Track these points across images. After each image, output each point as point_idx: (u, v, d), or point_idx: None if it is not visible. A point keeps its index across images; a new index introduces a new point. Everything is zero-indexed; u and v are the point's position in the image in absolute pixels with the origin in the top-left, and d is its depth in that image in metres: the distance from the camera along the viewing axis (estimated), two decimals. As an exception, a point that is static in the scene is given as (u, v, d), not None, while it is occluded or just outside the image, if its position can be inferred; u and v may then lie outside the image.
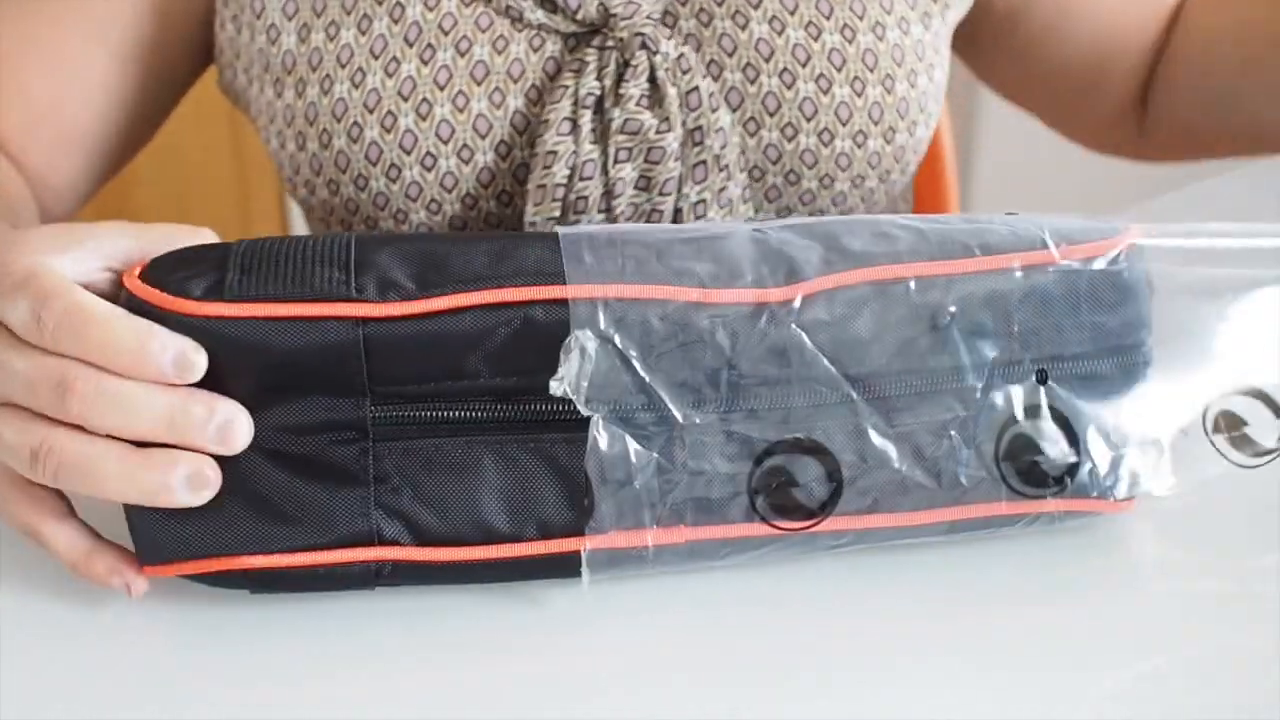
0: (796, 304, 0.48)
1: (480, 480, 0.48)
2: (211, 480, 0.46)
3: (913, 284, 0.49)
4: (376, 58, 0.64)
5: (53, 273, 0.46)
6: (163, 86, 0.75)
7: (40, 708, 0.46)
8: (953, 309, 0.49)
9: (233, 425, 0.45)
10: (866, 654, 0.48)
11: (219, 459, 0.46)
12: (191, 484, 0.45)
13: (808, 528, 0.49)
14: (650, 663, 0.48)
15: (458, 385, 0.47)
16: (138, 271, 0.47)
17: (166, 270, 0.47)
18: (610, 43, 0.63)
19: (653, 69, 0.63)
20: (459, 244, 0.48)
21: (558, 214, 0.63)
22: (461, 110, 0.64)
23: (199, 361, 0.45)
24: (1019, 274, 0.50)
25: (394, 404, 0.47)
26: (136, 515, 0.47)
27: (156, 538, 0.47)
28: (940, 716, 0.46)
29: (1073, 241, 0.51)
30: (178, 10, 0.72)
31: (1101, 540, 0.54)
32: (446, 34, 0.64)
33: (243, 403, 0.46)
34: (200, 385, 0.46)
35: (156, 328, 0.45)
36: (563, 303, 0.47)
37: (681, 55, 0.64)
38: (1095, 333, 0.51)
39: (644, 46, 0.63)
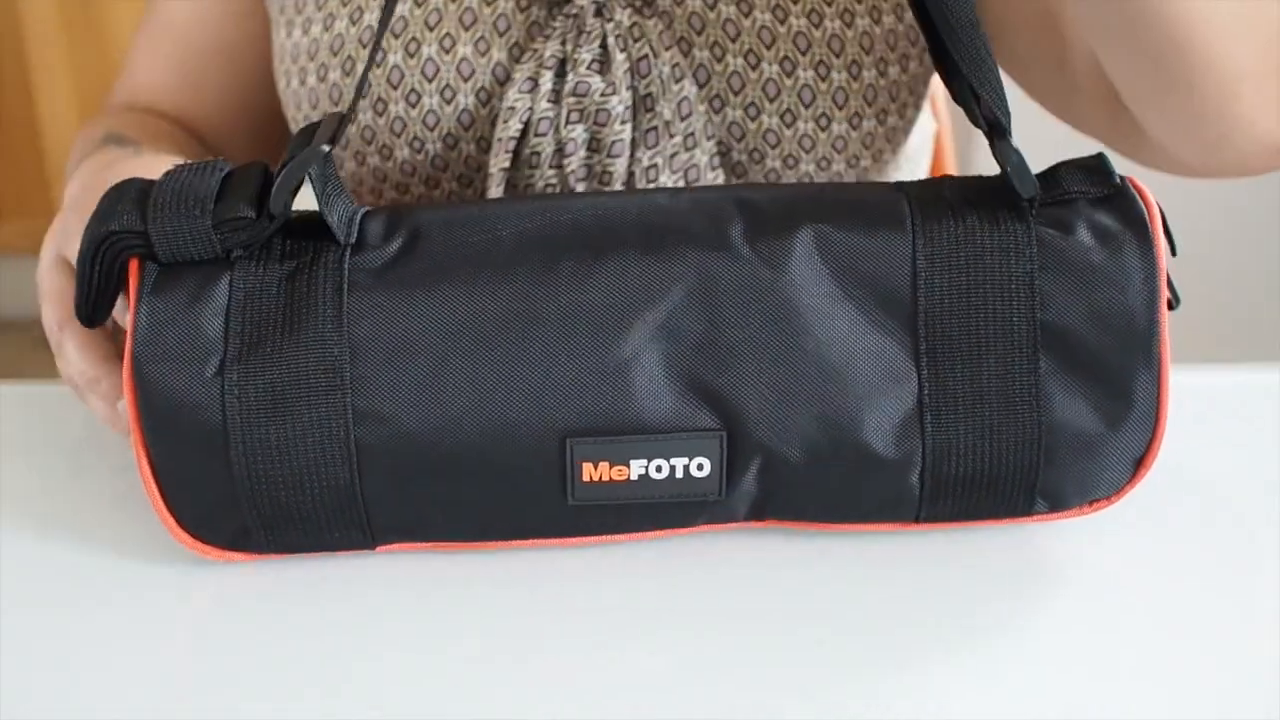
0: None
1: None
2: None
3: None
4: None
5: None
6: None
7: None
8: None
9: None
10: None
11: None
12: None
13: None
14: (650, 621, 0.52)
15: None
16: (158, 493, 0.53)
17: (185, 504, 0.53)
18: (574, 10, 0.69)
19: (604, 35, 0.68)
20: (459, 478, 0.52)
21: (507, 165, 0.69)
22: (448, 51, 0.70)
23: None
24: None
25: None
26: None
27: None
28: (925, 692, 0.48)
29: None
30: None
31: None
32: None
33: None
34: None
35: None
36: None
37: (635, 24, 0.68)
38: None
39: (599, 14, 0.68)
